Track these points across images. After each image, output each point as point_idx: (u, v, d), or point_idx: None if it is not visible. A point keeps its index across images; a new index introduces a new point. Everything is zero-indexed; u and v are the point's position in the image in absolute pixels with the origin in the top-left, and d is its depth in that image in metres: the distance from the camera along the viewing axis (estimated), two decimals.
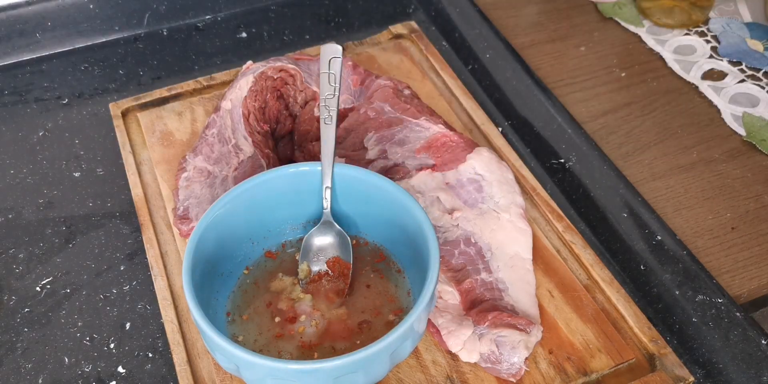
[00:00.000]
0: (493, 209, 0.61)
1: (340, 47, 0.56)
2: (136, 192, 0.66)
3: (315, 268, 0.57)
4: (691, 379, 0.52)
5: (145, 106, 0.74)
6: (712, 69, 0.79)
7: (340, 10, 0.89)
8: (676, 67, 0.79)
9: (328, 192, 0.55)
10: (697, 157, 0.70)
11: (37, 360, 0.57)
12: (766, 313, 0.59)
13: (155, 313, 0.59)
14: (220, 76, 0.76)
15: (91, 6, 0.83)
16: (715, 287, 0.57)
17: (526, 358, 0.52)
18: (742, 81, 0.77)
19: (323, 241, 0.57)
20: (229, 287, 0.56)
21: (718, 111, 0.74)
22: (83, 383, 0.55)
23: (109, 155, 0.72)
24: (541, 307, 0.56)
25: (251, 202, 0.54)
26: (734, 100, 0.75)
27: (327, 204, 0.56)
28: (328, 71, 0.56)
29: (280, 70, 0.69)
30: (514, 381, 0.52)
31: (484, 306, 0.55)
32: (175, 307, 0.58)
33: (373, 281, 0.56)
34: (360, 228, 0.58)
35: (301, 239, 0.58)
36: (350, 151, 0.66)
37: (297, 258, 0.58)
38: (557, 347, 0.54)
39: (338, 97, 0.55)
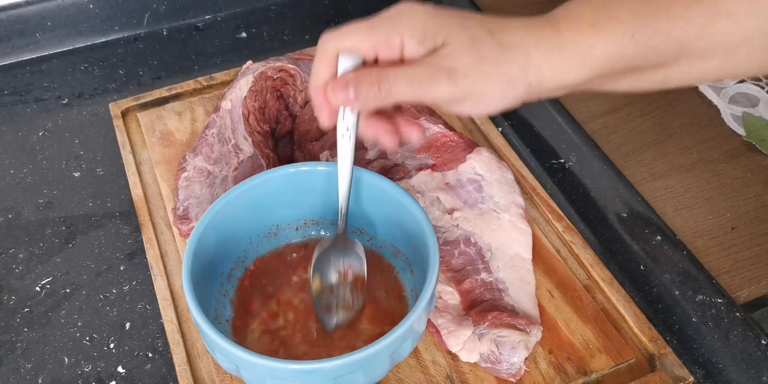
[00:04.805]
0: (493, 209, 0.61)
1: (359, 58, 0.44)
2: (136, 192, 0.66)
3: (327, 282, 0.54)
4: (691, 379, 0.52)
5: (145, 106, 0.74)
6: None
7: (340, 10, 0.89)
8: None
9: (344, 210, 0.51)
10: (697, 157, 0.70)
11: (37, 360, 0.57)
12: (766, 313, 0.59)
13: (155, 313, 0.59)
14: (220, 76, 0.76)
15: (91, 6, 0.83)
16: (715, 287, 0.57)
17: (526, 358, 0.52)
18: (742, 81, 0.77)
19: (338, 256, 0.54)
20: (229, 287, 0.56)
21: (718, 111, 0.74)
22: (83, 383, 0.55)
23: (109, 155, 0.72)
24: (541, 307, 0.56)
25: (251, 202, 0.54)
26: (734, 100, 0.75)
27: (342, 224, 0.52)
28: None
29: (280, 70, 0.69)
30: (514, 381, 0.52)
31: (484, 306, 0.55)
32: (175, 307, 0.58)
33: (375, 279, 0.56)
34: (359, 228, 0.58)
35: (302, 241, 0.59)
36: None
37: (298, 258, 0.57)
38: (557, 347, 0.54)
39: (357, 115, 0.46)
